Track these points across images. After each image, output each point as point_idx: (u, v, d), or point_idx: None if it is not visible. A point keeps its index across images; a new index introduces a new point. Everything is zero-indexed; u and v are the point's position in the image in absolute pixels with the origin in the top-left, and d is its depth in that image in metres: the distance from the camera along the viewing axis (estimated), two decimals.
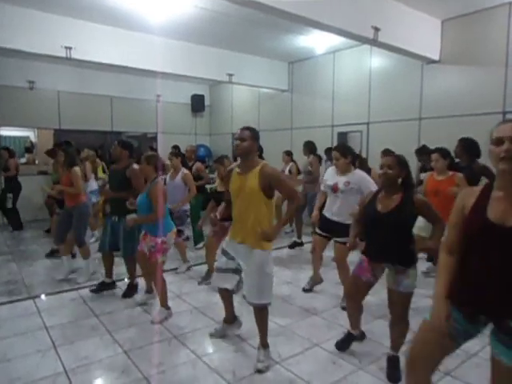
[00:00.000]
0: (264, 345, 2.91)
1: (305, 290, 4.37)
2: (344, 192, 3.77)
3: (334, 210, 3.86)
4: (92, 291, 4.23)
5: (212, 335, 3.28)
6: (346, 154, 3.80)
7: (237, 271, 2.93)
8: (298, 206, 2.88)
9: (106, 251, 4.18)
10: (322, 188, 4.13)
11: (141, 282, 4.22)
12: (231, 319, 3.30)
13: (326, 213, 3.98)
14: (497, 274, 1.54)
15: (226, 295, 3.16)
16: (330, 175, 3.99)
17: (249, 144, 2.72)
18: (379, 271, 2.74)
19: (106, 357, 2.97)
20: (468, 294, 1.65)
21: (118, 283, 4.44)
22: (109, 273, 4.32)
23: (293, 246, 6.32)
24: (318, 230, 4.11)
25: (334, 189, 3.84)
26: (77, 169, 4.60)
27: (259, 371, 2.77)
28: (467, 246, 1.64)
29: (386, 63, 6.85)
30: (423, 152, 5.44)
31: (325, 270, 4.64)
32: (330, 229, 3.91)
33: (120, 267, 4.39)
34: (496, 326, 1.61)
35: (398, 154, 2.76)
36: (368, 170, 5.25)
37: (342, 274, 3.97)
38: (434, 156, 4.02)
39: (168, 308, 3.68)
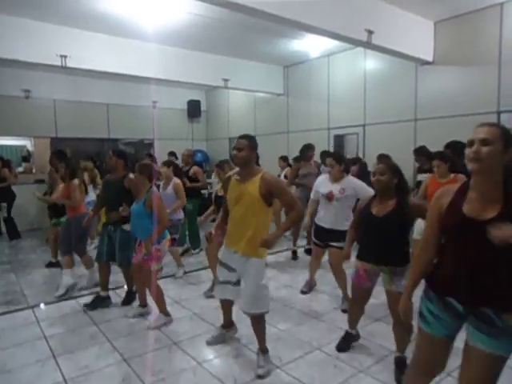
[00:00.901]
0: (263, 350, 2.90)
1: (303, 292, 4.43)
2: (339, 199, 3.78)
3: (330, 219, 3.85)
4: (86, 306, 4.04)
5: (209, 343, 3.24)
6: (340, 161, 3.84)
7: (237, 283, 2.91)
8: (300, 214, 2.81)
9: (103, 261, 4.08)
10: (313, 196, 4.14)
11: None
12: (229, 325, 3.32)
13: (321, 223, 3.95)
14: (472, 264, 1.64)
15: (227, 304, 3.18)
16: (322, 183, 3.99)
17: (246, 153, 2.70)
18: (375, 276, 2.82)
19: (106, 365, 2.96)
20: (444, 281, 1.76)
21: (117, 290, 4.43)
22: (104, 285, 4.13)
23: (308, 252, 6.22)
24: (315, 240, 4.12)
25: (329, 197, 3.82)
26: (76, 181, 4.59)
27: (260, 377, 2.76)
28: (444, 240, 1.76)
29: (380, 65, 6.89)
30: (421, 153, 5.41)
31: (324, 272, 4.65)
32: (327, 237, 3.91)
33: (116, 275, 4.35)
34: (472, 314, 1.69)
35: (389, 161, 2.89)
36: (368, 174, 5.24)
37: (338, 279, 3.98)
38: (436, 162, 4.01)
39: (168, 314, 3.68)
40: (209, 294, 4.29)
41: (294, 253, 6.02)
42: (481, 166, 1.59)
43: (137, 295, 4.20)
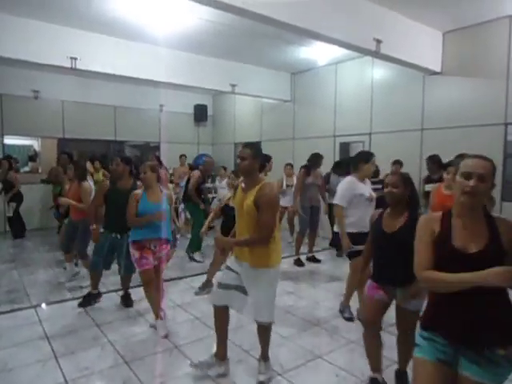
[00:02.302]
0: (265, 357, 2.88)
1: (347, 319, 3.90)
2: (373, 199, 3.80)
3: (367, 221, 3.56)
4: (80, 305, 4.07)
5: (192, 366, 2.88)
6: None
7: (240, 288, 2.76)
8: (259, 241, 2.59)
9: (99, 269, 4.07)
10: (345, 203, 3.71)
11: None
12: (223, 355, 2.90)
13: (363, 228, 3.51)
14: (462, 298, 1.63)
15: (223, 318, 2.84)
16: (358, 185, 3.75)
17: (250, 162, 2.66)
18: (390, 288, 2.58)
19: (107, 367, 2.96)
20: (440, 317, 1.71)
21: (120, 292, 4.41)
22: (95, 285, 4.20)
23: (310, 259, 6.17)
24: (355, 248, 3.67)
25: (371, 198, 3.76)
26: (86, 184, 4.58)
27: (261, 383, 2.74)
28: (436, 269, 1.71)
29: (387, 74, 6.90)
30: (434, 161, 5.32)
31: (328, 279, 4.63)
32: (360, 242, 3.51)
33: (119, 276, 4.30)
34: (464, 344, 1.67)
35: (402, 172, 2.75)
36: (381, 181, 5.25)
37: (353, 278, 3.78)
38: (451, 169, 3.94)
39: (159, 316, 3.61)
40: (198, 292, 4.50)
41: (299, 260, 5.99)
42: (474, 201, 1.63)
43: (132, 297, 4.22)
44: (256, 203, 2.57)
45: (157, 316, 3.57)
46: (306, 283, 5.08)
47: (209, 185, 8.59)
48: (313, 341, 3.42)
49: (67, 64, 5.72)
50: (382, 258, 2.57)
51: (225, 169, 8.63)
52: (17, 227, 7.58)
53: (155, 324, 3.57)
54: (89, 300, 4.16)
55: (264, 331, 2.82)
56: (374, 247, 2.66)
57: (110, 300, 4.33)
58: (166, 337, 3.44)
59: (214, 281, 4.61)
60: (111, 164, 4.12)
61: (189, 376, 2.84)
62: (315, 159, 6.09)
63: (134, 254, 3.52)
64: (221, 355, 2.88)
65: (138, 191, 3.62)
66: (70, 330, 3.58)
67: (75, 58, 5.73)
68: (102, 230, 4.09)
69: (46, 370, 2.91)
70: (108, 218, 4.06)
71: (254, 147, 2.75)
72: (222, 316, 2.84)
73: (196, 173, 6.17)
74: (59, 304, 4.25)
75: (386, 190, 2.58)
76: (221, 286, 2.81)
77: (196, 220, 6.07)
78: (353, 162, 3.98)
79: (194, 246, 6.15)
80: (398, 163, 6.05)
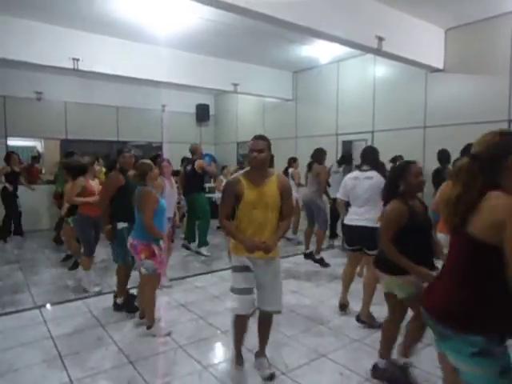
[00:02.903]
0: (265, 353, 2.92)
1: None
2: None
3: None
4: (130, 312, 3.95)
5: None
6: None
7: (251, 290, 2.73)
8: (290, 222, 2.88)
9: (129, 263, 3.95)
10: None
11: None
12: (242, 360, 2.95)
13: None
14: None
15: (246, 324, 2.84)
16: None
17: (266, 154, 2.65)
18: None
19: (112, 367, 2.96)
20: (496, 315, 1.55)
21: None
22: (124, 286, 4.05)
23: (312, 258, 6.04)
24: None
25: None
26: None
27: (272, 376, 2.77)
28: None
29: (390, 72, 6.88)
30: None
31: (331, 278, 4.62)
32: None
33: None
34: None
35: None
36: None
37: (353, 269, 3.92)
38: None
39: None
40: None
41: (322, 260, 5.85)
42: None
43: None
44: (280, 191, 2.67)
45: (154, 319, 3.52)
46: (310, 282, 5.07)
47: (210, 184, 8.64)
48: (317, 340, 3.42)
49: (69, 65, 5.74)
50: (423, 244, 2.56)
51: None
52: (18, 225, 7.65)
53: (154, 329, 3.49)
54: (130, 307, 3.96)
55: (271, 322, 2.87)
56: (413, 236, 2.51)
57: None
58: (169, 334, 3.45)
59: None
60: (118, 160, 4.13)
61: (194, 375, 2.84)
62: (319, 154, 6.05)
63: (161, 254, 3.46)
64: (240, 361, 2.92)
65: (154, 192, 3.45)
66: (74, 331, 3.60)
67: (77, 59, 5.75)
68: (125, 224, 3.86)
69: (51, 370, 2.92)
70: (127, 210, 3.75)
71: (266, 138, 2.74)
72: (245, 323, 2.80)
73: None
74: (64, 304, 4.26)
75: (419, 179, 2.60)
76: (243, 291, 2.67)
77: (200, 210, 6.06)
78: (373, 158, 3.97)
79: (202, 239, 6.15)
80: (400, 158, 5.94)
